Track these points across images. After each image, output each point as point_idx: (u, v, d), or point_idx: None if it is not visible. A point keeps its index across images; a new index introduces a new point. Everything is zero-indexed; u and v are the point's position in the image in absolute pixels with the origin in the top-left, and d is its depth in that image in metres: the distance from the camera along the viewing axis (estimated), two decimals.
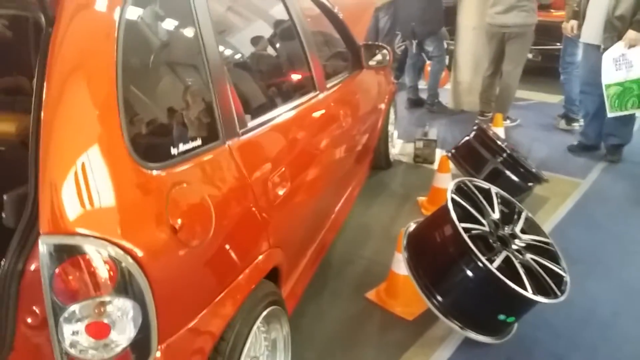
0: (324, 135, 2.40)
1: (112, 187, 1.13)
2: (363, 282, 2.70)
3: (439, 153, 4.27)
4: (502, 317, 2.14)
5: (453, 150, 3.55)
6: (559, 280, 2.20)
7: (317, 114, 2.39)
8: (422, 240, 2.36)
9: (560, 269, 2.25)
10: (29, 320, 1.10)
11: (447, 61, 6.09)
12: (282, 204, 1.80)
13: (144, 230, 1.17)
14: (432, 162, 4.34)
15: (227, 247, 1.45)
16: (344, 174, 2.82)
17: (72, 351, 1.09)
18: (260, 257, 1.63)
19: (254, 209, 1.61)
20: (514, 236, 2.35)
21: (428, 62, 6.10)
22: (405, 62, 6.24)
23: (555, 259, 2.31)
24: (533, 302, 2.07)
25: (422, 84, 6.37)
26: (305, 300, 2.39)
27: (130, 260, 1.09)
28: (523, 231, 2.41)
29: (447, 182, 3.40)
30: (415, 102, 6.02)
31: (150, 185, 1.23)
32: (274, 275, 1.78)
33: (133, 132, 1.22)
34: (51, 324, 1.07)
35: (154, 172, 1.24)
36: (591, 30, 4.15)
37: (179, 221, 1.25)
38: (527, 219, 2.48)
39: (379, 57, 3.42)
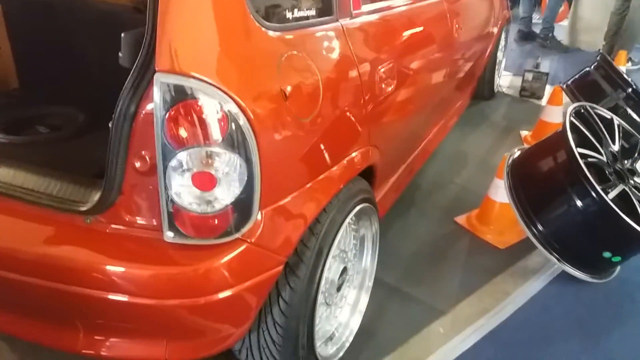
0: (434, 38, 2.24)
1: (229, 39, 1.10)
2: (453, 206, 2.60)
3: (549, 90, 3.94)
4: (607, 254, 1.97)
5: (569, 81, 3.24)
6: None
7: (430, 15, 2.23)
8: (529, 165, 2.19)
9: None
10: (138, 164, 1.11)
11: None
12: (385, 100, 1.71)
13: (256, 88, 1.12)
14: (540, 98, 4.03)
15: (331, 129, 1.39)
16: (447, 89, 2.66)
17: (177, 200, 1.09)
18: (359, 150, 1.56)
19: (359, 96, 1.53)
20: (632, 172, 2.13)
21: None
22: None
23: None
24: None
25: (537, 18, 5.86)
26: (392, 216, 2.34)
27: (242, 115, 1.06)
28: None
29: (557, 115, 3.17)
30: (527, 35, 5.57)
31: (266, 44, 1.18)
32: (367, 179, 1.72)
33: None
34: (159, 169, 1.07)
35: (270, 33, 1.19)
36: None
37: (289, 88, 1.20)
38: None
39: None
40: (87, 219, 1.18)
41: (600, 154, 2.05)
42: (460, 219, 2.48)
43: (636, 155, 2.21)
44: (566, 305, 2.01)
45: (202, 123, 1.03)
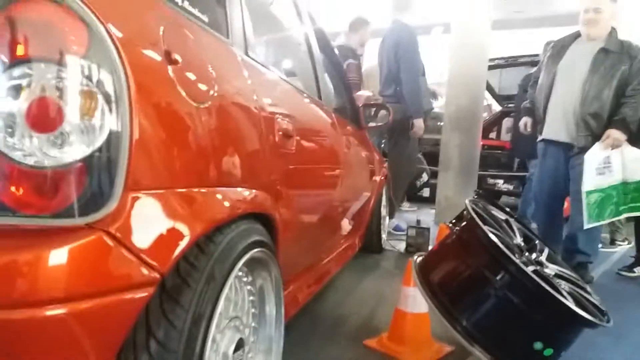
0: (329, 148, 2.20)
1: None
2: (360, 333, 2.26)
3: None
4: (538, 345, 1.72)
5: (453, 220, 3.29)
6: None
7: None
8: (437, 260, 2.04)
9: (595, 300, 1.90)
10: None
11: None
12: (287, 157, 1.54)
13: (135, 29, 0.91)
14: (425, 252, 4.04)
15: (229, 139, 1.17)
16: (339, 209, 2.55)
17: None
18: (257, 191, 1.31)
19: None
20: (540, 263, 2.03)
21: None
22: None
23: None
24: (578, 323, 1.70)
25: (407, 206, 6.45)
26: (290, 343, 1.92)
27: (109, 40, 0.81)
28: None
29: None
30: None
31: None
32: None
33: None
34: None
35: None
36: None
37: (177, 56, 0.99)
38: (549, 255, 2.18)
39: (378, 118, 3.35)
40: None
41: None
42: (371, 342, 2.14)
43: (537, 252, 2.15)
44: None
45: (51, 27, 0.76)
